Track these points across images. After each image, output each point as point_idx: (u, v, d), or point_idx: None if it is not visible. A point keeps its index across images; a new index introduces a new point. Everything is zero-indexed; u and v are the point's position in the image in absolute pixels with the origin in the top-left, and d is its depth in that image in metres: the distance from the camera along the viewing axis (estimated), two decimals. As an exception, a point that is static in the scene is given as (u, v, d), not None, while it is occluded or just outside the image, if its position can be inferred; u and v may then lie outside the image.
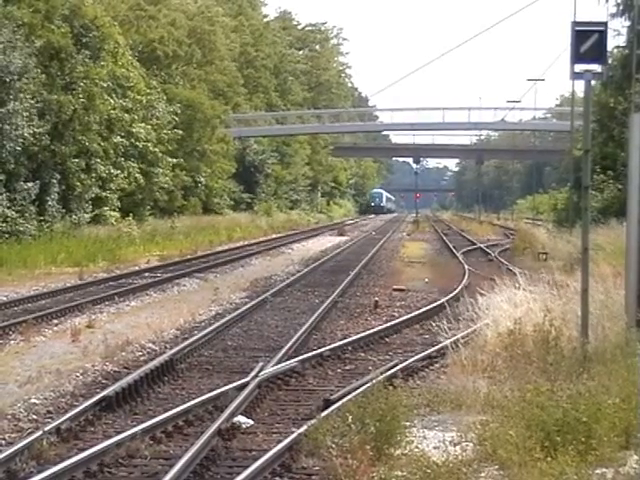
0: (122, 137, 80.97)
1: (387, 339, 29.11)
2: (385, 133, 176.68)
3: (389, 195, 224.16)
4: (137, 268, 52.89)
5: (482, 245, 76.90)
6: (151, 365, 23.29)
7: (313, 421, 16.97)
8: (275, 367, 22.93)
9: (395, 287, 44.43)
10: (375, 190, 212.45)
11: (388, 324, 31.31)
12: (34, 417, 19.29)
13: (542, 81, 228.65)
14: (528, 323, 22.46)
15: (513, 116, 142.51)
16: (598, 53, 23.39)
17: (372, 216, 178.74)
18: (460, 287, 40.09)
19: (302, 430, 16.68)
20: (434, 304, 35.18)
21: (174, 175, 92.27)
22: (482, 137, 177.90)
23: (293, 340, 26.96)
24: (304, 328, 29.55)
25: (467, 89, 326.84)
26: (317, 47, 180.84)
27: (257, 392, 20.63)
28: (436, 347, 25.31)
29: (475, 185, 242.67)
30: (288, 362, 23.87)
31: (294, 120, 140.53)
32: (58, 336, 29.58)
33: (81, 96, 70.49)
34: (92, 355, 25.69)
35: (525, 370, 19.24)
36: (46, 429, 17.26)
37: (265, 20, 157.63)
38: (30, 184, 63.21)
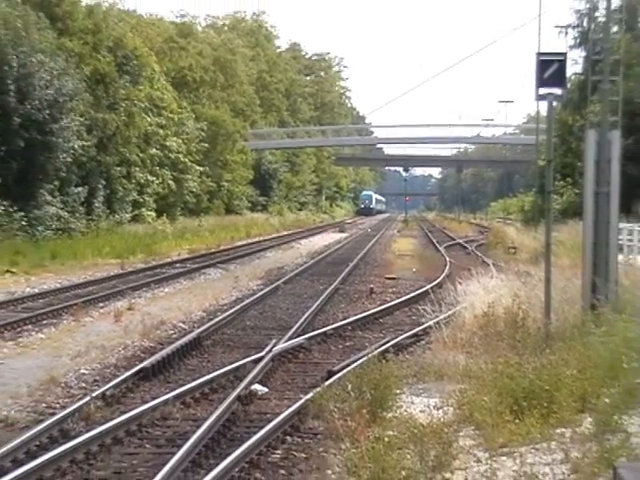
0: (157, 149, 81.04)
1: (381, 320, 29.12)
2: (379, 146, 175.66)
3: (379, 197, 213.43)
4: (169, 260, 52.85)
5: (461, 240, 76.79)
6: (181, 341, 23.35)
7: (318, 389, 17.01)
8: (286, 343, 22.97)
9: (387, 276, 44.40)
10: (365, 192, 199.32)
11: (381, 307, 31.33)
12: (83, 385, 19.33)
13: (511, 102, 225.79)
14: (499, 306, 22.44)
15: (487, 132, 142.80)
16: (559, 79, 23.43)
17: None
18: (442, 276, 40.08)
19: (309, 396, 16.73)
20: (420, 290, 35.15)
21: (201, 181, 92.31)
22: (461, 149, 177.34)
23: (301, 321, 27.00)
24: (310, 310, 29.57)
25: (449, 108, 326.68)
26: (322, 73, 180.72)
27: (271, 364, 20.70)
28: (422, 327, 25.33)
29: (455, 190, 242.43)
30: (297, 339, 23.90)
31: (302, 135, 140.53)
32: (103, 317, 29.61)
33: (123, 115, 70.52)
34: (132, 333, 25.73)
35: (497, 346, 19.24)
36: (93, 395, 17.31)
37: (278, 51, 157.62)
38: (80, 189, 63.24)
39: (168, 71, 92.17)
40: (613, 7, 28.65)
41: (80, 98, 60.25)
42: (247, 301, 32.88)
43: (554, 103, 25.19)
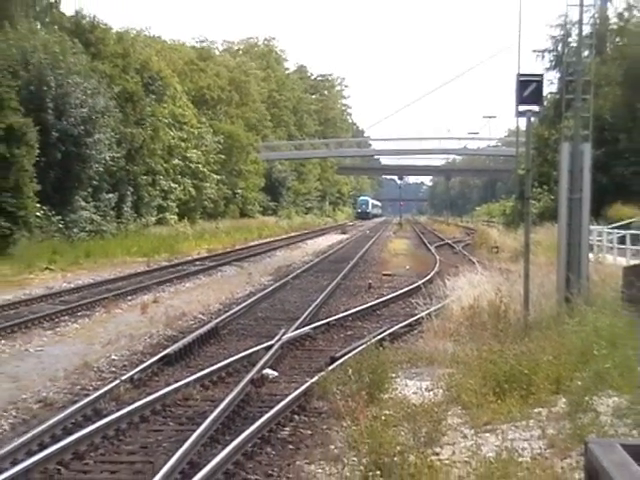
0: (179, 160, 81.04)
1: (378, 312, 29.11)
2: (376, 157, 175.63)
3: (375, 202, 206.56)
4: (190, 258, 52.83)
5: (449, 241, 76.69)
6: (201, 331, 23.38)
7: (322, 373, 17.05)
8: (294, 332, 22.99)
9: (384, 272, 44.35)
10: (362, 197, 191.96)
11: (379, 300, 31.32)
12: (113, 369, 19.37)
13: (494, 118, 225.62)
14: (484, 300, 22.47)
15: (473, 144, 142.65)
16: (536, 97, 23.44)
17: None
18: (433, 273, 40.04)
19: (314, 380, 16.75)
20: (413, 285, 35.12)
21: (218, 188, 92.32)
22: (449, 160, 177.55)
23: (307, 312, 27.04)
24: (315, 303, 29.61)
25: (438, 123, 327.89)
26: (325, 92, 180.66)
27: (280, 351, 20.72)
28: (415, 318, 25.33)
29: (444, 196, 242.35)
30: (303, 329, 23.93)
31: (308, 147, 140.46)
32: (131, 309, 29.64)
33: (148, 129, 70.58)
34: (157, 323, 25.76)
35: (482, 335, 19.25)
36: (122, 378, 17.36)
37: (287, 72, 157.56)
38: (110, 195, 63.31)
39: (189, 90, 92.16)
40: (584, 34, 28.57)
41: (111, 115, 60.33)
42: (259, 295, 32.91)
43: (532, 119, 25.19)
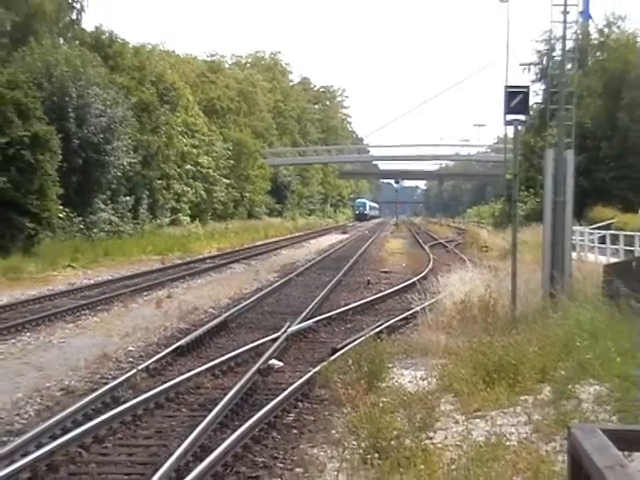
0: (191, 165, 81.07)
1: (376, 306, 29.11)
2: (375, 162, 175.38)
3: (372, 204, 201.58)
4: (201, 256, 52.85)
5: (442, 240, 76.68)
6: (211, 324, 23.41)
7: (324, 363, 17.08)
8: (298, 326, 23.00)
9: (382, 270, 44.41)
10: (359, 200, 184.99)
11: (377, 296, 31.34)
12: (130, 360, 19.39)
13: (484, 126, 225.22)
14: (474, 295, 22.48)
15: (464, 150, 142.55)
16: (523, 107, 23.46)
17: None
18: (427, 270, 40.07)
19: (316, 369, 16.78)
20: (409, 282, 35.13)
21: (227, 192, 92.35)
22: (442, 165, 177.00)
23: (310, 307, 27.02)
24: (318, 298, 29.60)
25: (432, 131, 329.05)
26: (327, 102, 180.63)
27: (285, 343, 20.74)
28: (410, 312, 25.33)
29: (437, 198, 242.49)
30: (307, 322, 23.94)
31: (311, 153, 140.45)
32: (147, 304, 29.66)
33: (163, 137, 70.61)
34: (170, 317, 25.78)
35: (472, 328, 19.26)
36: (139, 368, 17.37)
37: (291, 84, 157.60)
38: (128, 198, 63.31)
39: (200, 101, 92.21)
40: (568, 48, 28.60)
41: (128, 123, 60.34)
42: (265, 290, 32.92)
43: (519, 127, 25.26)
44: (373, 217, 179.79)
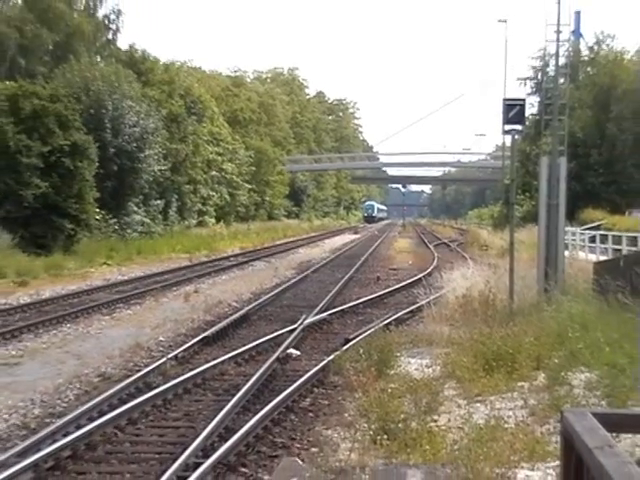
0: (216, 171, 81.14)
1: (385, 300, 29.09)
2: (384, 168, 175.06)
3: (380, 206, 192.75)
4: (225, 255, 52.94)
5: (445, 240, 76.56)
6: (235, 316, 23.45)
7: (338, 352, 17.08)
8: (313, 318, 23.01)
9: (390, 267, 44.41)
10: (368, 202, 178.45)
11: (386, 290, 31.32)
12: (161, 349, 19.43)
13: (484, 135, 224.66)
14: (475, 290, 22.43)
15: (465, 158, 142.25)
16: (520, 118, 23.43)
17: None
18: (431, 267, 40.02)
19: (330, 358, 16.78)
20: (415, 278, 35.12)
21: (249, 196, 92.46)
22: (446, 171, 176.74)
23: (325, 301, 27.03)
24: (332, 293, 29.62)
25: (436, 139, 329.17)
26: (340, 114, 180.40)
27: (302, 334, 20.74)
28: (416, 305, 25.29)
29: (441, 202, 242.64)
30: (322, 314, 23.95)
31: (326, 160, 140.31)
32: (176, 298, 29.71)
33: (190, 145, 70.71)
34: (197, 310, 25.82)
35: (473, 320, 19.23)
36: (169, 356, 17.41)
37: (307, 97, 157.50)
38: (158, 201, 63.47)
39: (225, 112, 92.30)
40: (560, 64, 28.57)
41: (159, 133, 60.51)
42: (284, 286, 32.96)
43: (516, 136, 25.17)
44: (381, 219, 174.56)
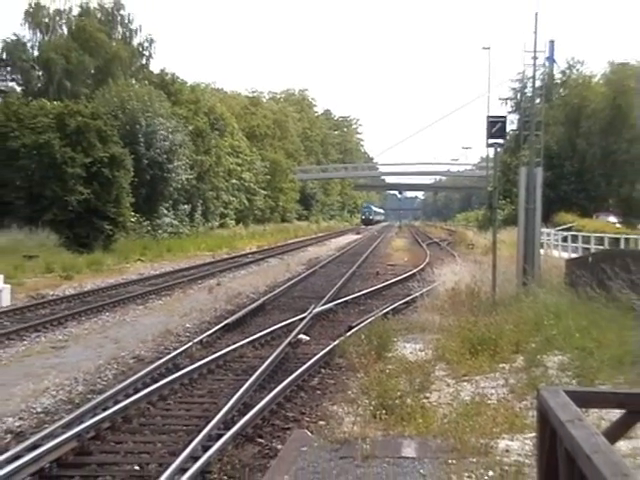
0: (236, 180, 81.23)
1: (383, 292, 29.05)
2: (382, 177, 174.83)
3: (377, 209, 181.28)
4: (244, 252, 52.94)
5: (436, 240, 76.40)
6: (252, 306, 23.45)
7: (342, 338, 17.08)
8: (321, 307, 23.00)
9: (388, 263, 44.38)
10: (365, 205, 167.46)
11: (384, 284, 31.28)
12: (187, 334, 19.46)
13: (470, 148, 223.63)
14: (462, 283, 22.44)
15: (454, 168, 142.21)
16: (501, 133, 23.42)
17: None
18: (424, 264, 39.97)
19: (336, 343, 16.78)
20: (410, 273, 35.08)
21: (265, 201, 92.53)
22: (437, 179, 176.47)
23: (331, 293, 27.00)
24: (337, 286, 29.58)
25: (429, 151, 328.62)
26: (345, 129, 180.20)
27: (311, 322, 20.73)
28: (411, 297, 25.26)
29: (433, 206, 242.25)
30: (328, 305, 23.94)
31: (332, 170, 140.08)
32: (201, 290, 29.74)
33: (213, 157, 70.82)
34: (219, 300, 25.83)
35: (461, 310, 19.22)
36: (194, 341, 17.45)
37: (316, 114, 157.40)
38: (186, 206, 63.56)
39: (243, 128, 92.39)
40: (537, 86, 28.55)
41: (186, 146, 60.63)
42: (295, 279, 32.95)
43: (498, 149, 25.17)
44: (378, 221, 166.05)
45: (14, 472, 8.94)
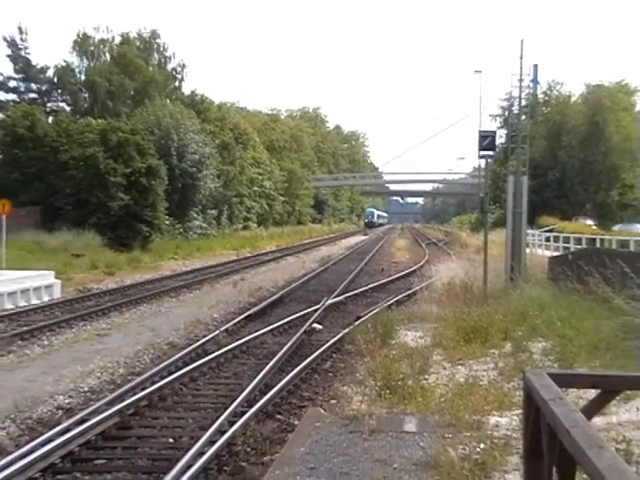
0: (257, 187, 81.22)
1: (388, 286, 29.02)
2: (387, 184, 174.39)
3: (380, 212, 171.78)
4: (264, 251, 52.98)
5: (434, 240, 76.29)
6: (272, 299, 23.50)
7: (351, 327, 17.09)
8: (332, 300, 23.03)
9: (392, 261, 44.36)
10: (368, 209, 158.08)
11: (388, 279, 31.27)
12: (215, 323, 19.49)
13: (464, 159, 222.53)
14: (457, 278, 22.42)
15: (450, 176, 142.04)
16: (491, 145, 23.40)
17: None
18: (424, 261, 39.98)
19: (346, 331, 16.80)
20: (411, 269, 35.09)
21: (283, 206, 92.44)
22: (435, 187, 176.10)
23: (341, 287, 27.00)
24: (347, 281, 29.57)
25: (428, 161, 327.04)
26: (353, 142, 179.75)
27: (324, 312, 20.74)
28: (412, 290, 25.28)
29: (432, 210, 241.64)
30: (339, 297, 23.96)
31: (342, 178, 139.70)
32: (226, 285, 29.77)
33: (237, 167, 70.86)
34: (243, 294, 25.87)
35: (455, 302, 19.19)
36: (221, 329, 17.47)
37: (328, 130, 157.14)
38: (213, 211, 63.58)
39: (264, 142, 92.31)
40: (523, 105, 28.48)
41: (213, 158, 60.71)
42: (309, 275, 32.93)
43: (489, 160, 25.13)
44: (381, 224, 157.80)
45: (65, 443, 9.00)
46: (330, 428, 8.88)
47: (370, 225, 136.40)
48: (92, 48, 68.31)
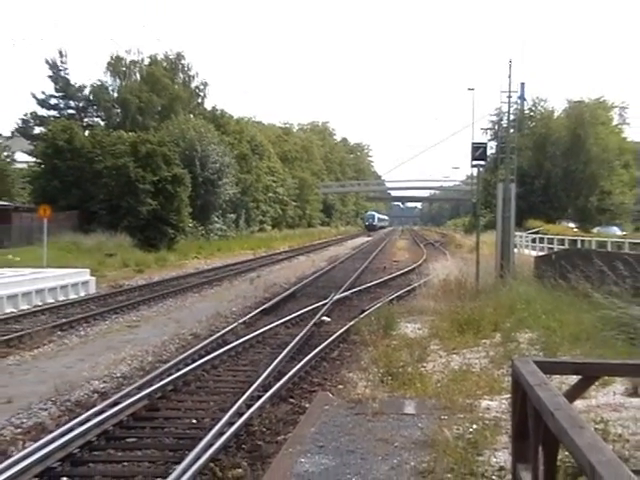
0: (272, 194, 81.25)
1: (389, 283, 28.96)
2: (389, 191, 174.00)
3: (381, 216, 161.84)
4: (278, 251, 52.99)
5: (431, 241, 76.18)
6: (285, 294, 23.50)
7: (357, 319, 17.07)
8: (340, 295, 23.00)
9: (393, 259, 44.29)
10: (369, 212, 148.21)
11: (390, 276, 31.21)
12: (234, 317, 19.48)
13: (458, 168, 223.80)
14: (452, 275, 22.36)
15: (446, 183, 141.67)
16: (483, 156, 23.38)
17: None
18: (422, 260, 39.91)
19: (351, 323, 16.78)
20: (410, 267, 35.04)
21: (294, 210, 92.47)
22: (432, 193, 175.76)
23: (347, 283, 26.95)
24: (352, 278, 29.52)
25: (426, 169, 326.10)
26: (358, 153, 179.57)
27: (332, 306, 20.72)
28: (411, 286, 25.23)
29: (429, 214, 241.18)
30: (345, 293, 23.95)
31: (348, 186, 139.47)
32: (244, 281, 29.81)
33: (254, 176, 70.91)
34: (259, 290, 25.86)
35: (451, 297, 19.14)
36: (239, 322, 17.49)
37: (335, 142, 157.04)
38: (232, 215, 63.63)
39: (278, 152, 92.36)
40: (511, 119, 28.44)
41: (232, 167, 60.76)
42: (319, 273, 32.94)
43: (481, 169, 25.09)
44: (382, 227, 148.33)
45: (100, 423, 9.04)
46: (337, 410, 8.88)
47: (371, 228, 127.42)
48: (124, 69, 68.55)
